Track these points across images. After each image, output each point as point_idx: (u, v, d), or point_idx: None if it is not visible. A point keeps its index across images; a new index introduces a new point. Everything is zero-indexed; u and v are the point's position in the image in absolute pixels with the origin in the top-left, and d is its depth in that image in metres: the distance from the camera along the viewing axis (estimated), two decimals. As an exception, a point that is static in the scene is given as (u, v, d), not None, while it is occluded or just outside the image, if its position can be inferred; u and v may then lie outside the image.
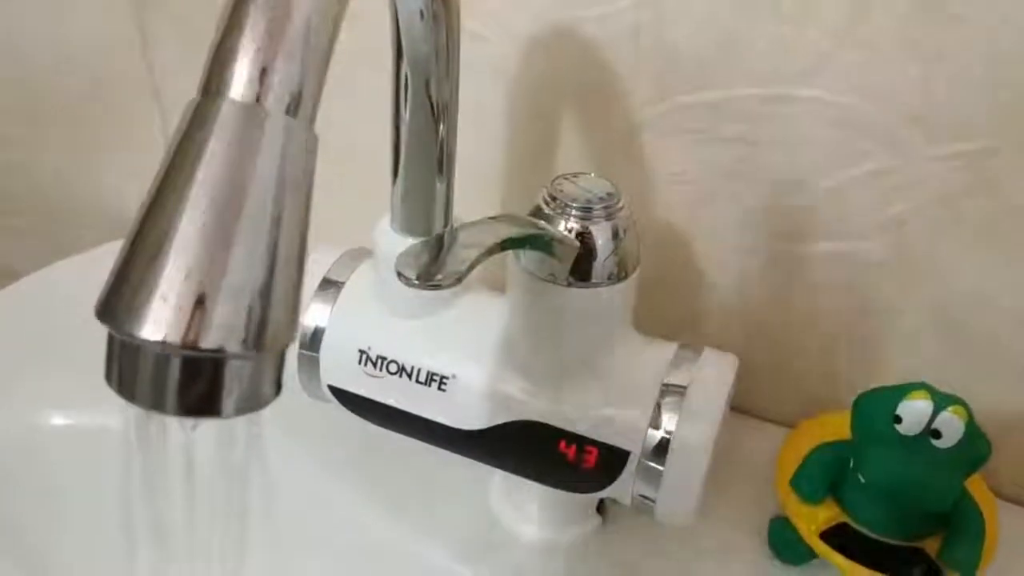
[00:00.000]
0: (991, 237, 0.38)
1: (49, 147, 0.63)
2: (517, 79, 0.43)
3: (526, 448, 0.37)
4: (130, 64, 0.56)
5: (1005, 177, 0.37)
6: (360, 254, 0.41)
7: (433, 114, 0.35)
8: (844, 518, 0.39)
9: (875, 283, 0.41)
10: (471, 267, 0.29)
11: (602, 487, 0.36)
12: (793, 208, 0.41)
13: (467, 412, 0.37)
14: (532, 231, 0.32)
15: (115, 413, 0.42)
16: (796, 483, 0.40)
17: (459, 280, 0.28)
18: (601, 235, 0.33)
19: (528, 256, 0.34)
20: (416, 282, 0.28)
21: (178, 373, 0.18)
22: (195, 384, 0.18)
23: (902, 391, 0.36)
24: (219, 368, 0.18)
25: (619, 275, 0.34)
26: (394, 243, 0.37)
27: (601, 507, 0.42)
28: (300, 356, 0.40)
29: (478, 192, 0.46)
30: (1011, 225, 0.38)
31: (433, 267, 0.29)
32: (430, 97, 0.34)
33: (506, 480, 0.42)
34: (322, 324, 0.39)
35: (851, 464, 0.39)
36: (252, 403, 0.19)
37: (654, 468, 0.35)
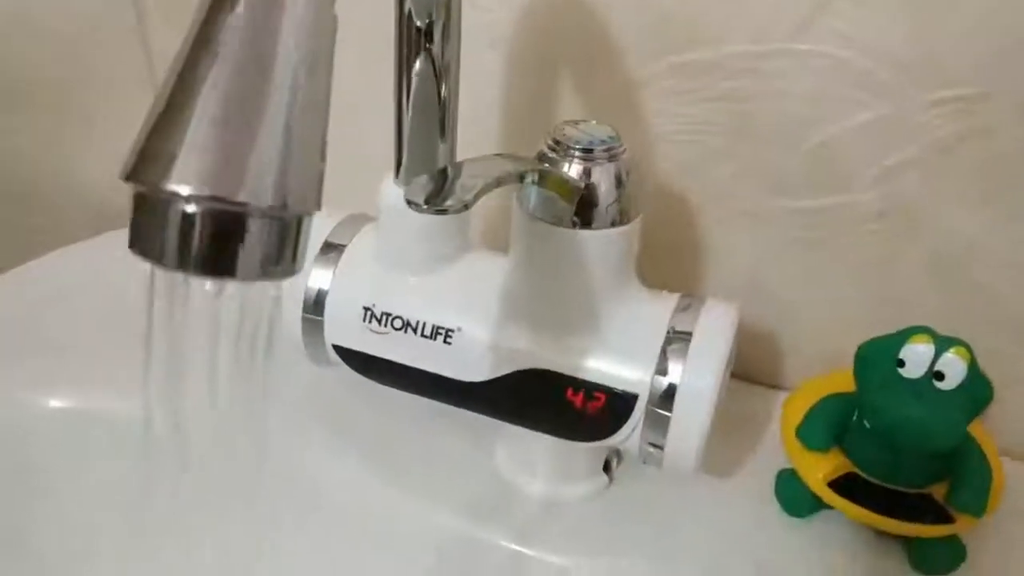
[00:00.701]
0: (987, 184, 0.39)
1: (26, 132, 0.62)
2: (512, 43, 0.44)
3: (533, 397, 0.37)
4: (123, 44, 0.55)
5: (998, 122, 0.37)
6: (360, 219, 0.41)
7: (435, 74, 0.35)
8: (851, 468, 0.39)
9: (873, 237, 0.42)
10: (477, 196, 0.29)
11: (609, 434, 0.36)
12: (789, 163, 0.41)
13: (473, 364, 0.37)
14: (536, 167, 0.32)
15: (100, 398, 0.42)
16: (802, 433, 0.40)
17: (466, 207, 0.28)
18: (604, 176, 0.34)
19: (533, 199, 0.35)
20: (425, 207, 0.28)
21: (203, 228, 0.18)
22: (219, 241, 0.18)
23: (904, 335, 0.37)
24: (244, 225, 0.18)
25: (623, 219, 0.35)
26: (398, 199, 0.37)
27: (607, 467, 0.42)
28: (304, 320, 0.40)
29: (478, 153, 0.46)
30: (1006, 171, 0.38)
31: (440, 195, 0.29)
32: (432, 58, 0.35)
33: (511, 441, 0.41)
34: (324, 287, 0.39)
35: (855, 416, 0.39)
36: (274, 269, 0.19)
37: (662, 415, 0.35)
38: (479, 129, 0.46)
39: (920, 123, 0.38)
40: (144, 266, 0.19)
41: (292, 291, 0.40)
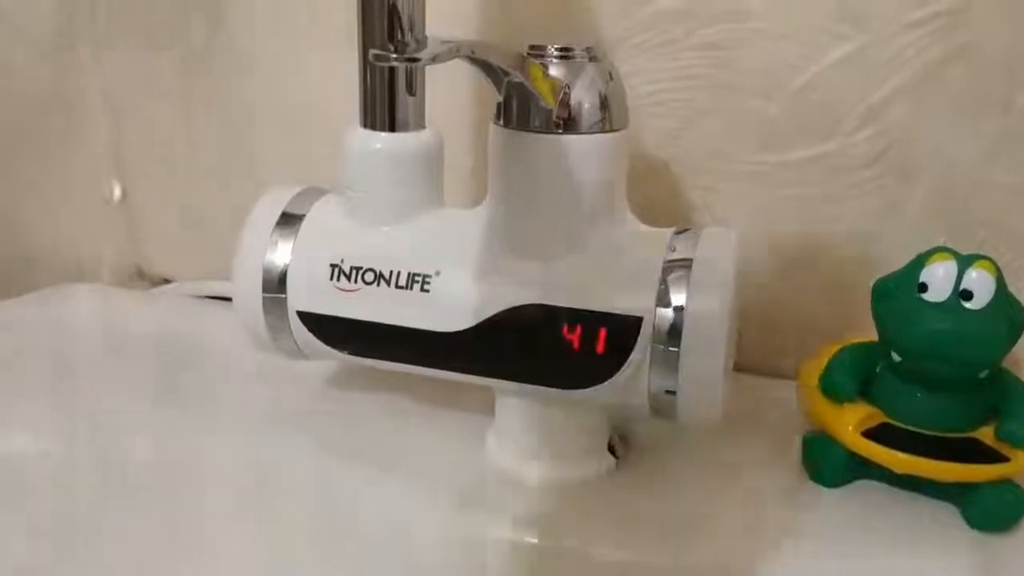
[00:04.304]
0: (980, 105, 0.37)
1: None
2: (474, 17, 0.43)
3: (525, 339, 0.33)
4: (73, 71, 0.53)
5: (981, 35, 0.36)
6: (318, 191, 0.38)
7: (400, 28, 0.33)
8: (884, 418, 0.35)
9: (871, 185, 0.40)
10: (451, 52, 0.27)
11: (610, 374, 0.32)
12: (775, 113, 0.40)
13: (455, 310, 0.33)
14: (516, 57, 0.30)
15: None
16: (826, 383, 0.36)
17: (436, 60, 0.26)
18: (586, 78, 0.32)
19: (513, 110, 0.32)
20: (394, 56, 0.26)
21: None
22: None
23: (921, 259, 0.34)
24: None
25: (610, 125, 0.32)
26: (366, 138, 0.35)
27: (612, 449, 0.37)
28: (265, 301, 0.36)
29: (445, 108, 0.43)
30: (995, 88, 0.37)
31: (412, 48, 0.26)
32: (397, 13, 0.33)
33: (502, 424, 0.37)
34: (285, 260, 0.36)
35: (879, 366, 0.36)
36: None
37: (670, 352, 0.32)
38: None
39: (901, 48, 0.37)
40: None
41: (248, 273, 0.36)
